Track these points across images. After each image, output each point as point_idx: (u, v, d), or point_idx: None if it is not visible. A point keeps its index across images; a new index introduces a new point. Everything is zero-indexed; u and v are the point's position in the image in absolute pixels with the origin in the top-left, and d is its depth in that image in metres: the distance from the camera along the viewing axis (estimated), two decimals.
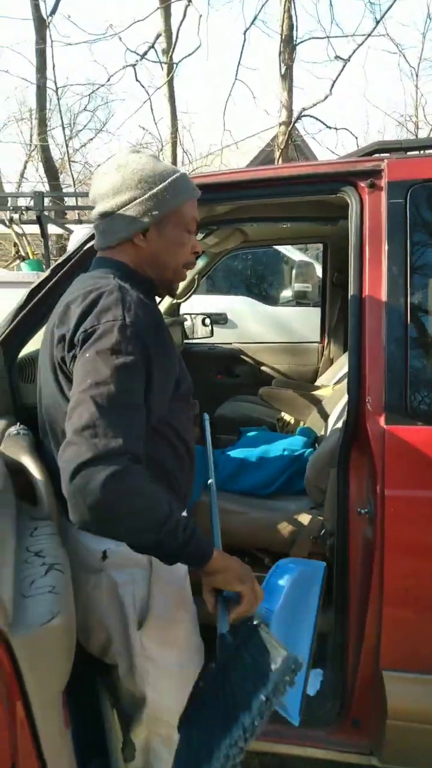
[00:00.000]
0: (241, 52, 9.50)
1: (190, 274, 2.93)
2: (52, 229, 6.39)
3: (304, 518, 1.57)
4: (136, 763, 1.11)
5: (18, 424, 1.24)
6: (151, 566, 1.05)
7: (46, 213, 5.68)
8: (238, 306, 4.60)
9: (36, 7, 8.45)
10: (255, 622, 0.91)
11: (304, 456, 1.74)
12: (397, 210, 1.27)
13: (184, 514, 1.14)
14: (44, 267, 5.70)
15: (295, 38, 8.41)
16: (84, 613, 1.06)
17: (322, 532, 1.52)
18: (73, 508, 0.80)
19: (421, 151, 1.46)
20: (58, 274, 1.42)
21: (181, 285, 2.98)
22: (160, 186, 1.05)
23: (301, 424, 2.24)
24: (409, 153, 1.41)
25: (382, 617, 1.25)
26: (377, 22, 6.72)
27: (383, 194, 1.29)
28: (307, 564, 1.41)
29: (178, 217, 1.07)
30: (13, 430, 1.18)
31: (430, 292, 1.27)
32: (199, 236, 2.20)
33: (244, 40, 8.57)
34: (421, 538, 1.22)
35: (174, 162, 7.96)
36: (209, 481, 1.36)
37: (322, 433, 2.00)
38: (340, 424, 1.45)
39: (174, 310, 3.07)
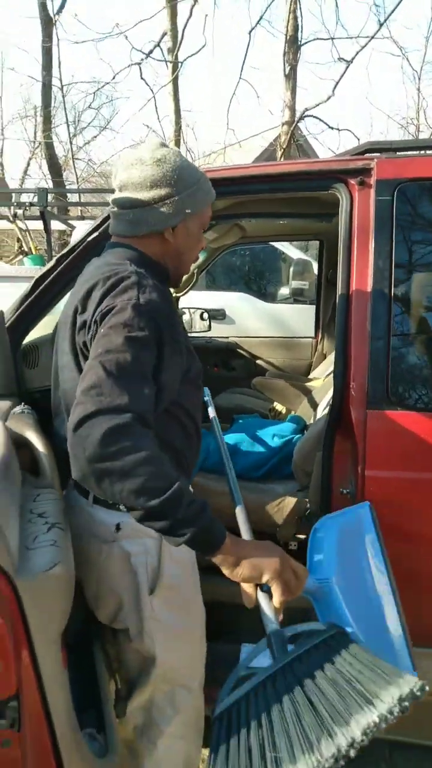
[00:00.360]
0: (246, 52, 9.55)
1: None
2: (55, 225, 6.46)
3: (291, 500, 1.64)
4: (137, 719, 1.16)
5: (22, 404, 1.31)
6: (161, 536, 0.94)
7: (49, 209, 5.76)
8: (236, 302, 4.68)
9: (43, 6, 8.51)
10: (331, 632, 0.81)
11: (292, 441, 1.81)
12: (384, 207, 1.34)
13: None
14: (46, 262, 5.77)
15: (299, 39, 8.48)
16: (97, 582, 1.12)
17: (307, 512, 1.59)
18: (73, 461, 0.81)
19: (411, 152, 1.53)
20: (62, 265, 1.49)
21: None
22: (194, 186, 1.12)
23: (292, 413, 2.31)
24: (398, 153, 1.48)
25: None
26: (381, 25, 6.80)
27: (372, 191, 1.36)
28: (347, 512, 1.19)
29: (202, 217, 1.16)
30: (18, 409, 1.25)
31: (413, 284, 1.34)
32: None
33: (249, 40, 8.66)
34: (397, 516, 1.29)
35: None
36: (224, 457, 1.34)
37: (311, 421, 2.07)
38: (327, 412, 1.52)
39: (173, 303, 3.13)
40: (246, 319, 4.54)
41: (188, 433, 1.16)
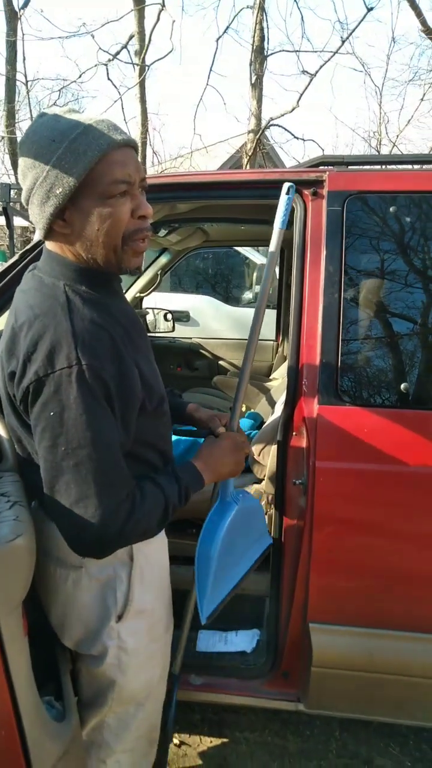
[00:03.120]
0: (213, 59, 9.74)
1: (152, 269, 3.06)
2: (18, 221, 6.39)
3: (246, 491, 1.71)
4: (88, 737, 1.13)
5: None
6: (131, 561, 1.06)
7: (11, 205, 5.69)
8: (200, 305, 4.76)
9: (8, 1, 8.39)
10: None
11: (250, 436, 1.89)
12: (335, 216, 1.44)
13: None
14: (8, 258, 5.71)
15: (266, 49, 8.67)
16: (63, 609, 1.05)
17: (262, 502, 1.67)
18: (90, 555, 0.93)
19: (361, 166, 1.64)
20: (26, 260, 1.53)
21: (143, 280, 3.10)
22: (58, 154, 0.87)
23: (252, 410, 2.40)
24: (350, 167, 1.58)
25: (310, 576, 1.41)
26: (342, 42, 7.03)
27: (324, 202, 1.46)
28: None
29: (92, 185, 0.88)
30: None
31: (361, 288, 1.44)
32: (162, 233, 2.33)
33: (216, 48, 8.75)
34: (344, 505, 1.38)
35: (143, 162, 8.08)
36: None
37: (270, 417, 2.16)
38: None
39: (136, 303, 3.19)
40: (210, 321, 4.62)
41: (156, 467, 1.07)
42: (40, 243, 1.52)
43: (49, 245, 0.98)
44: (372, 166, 1.59)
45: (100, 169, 0.88)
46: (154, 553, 1.12)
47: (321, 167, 1.54)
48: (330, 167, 1.53)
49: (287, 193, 1.27)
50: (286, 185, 1.28)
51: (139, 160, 0.97)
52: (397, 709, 1.48)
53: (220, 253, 5.06)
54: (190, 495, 1.05)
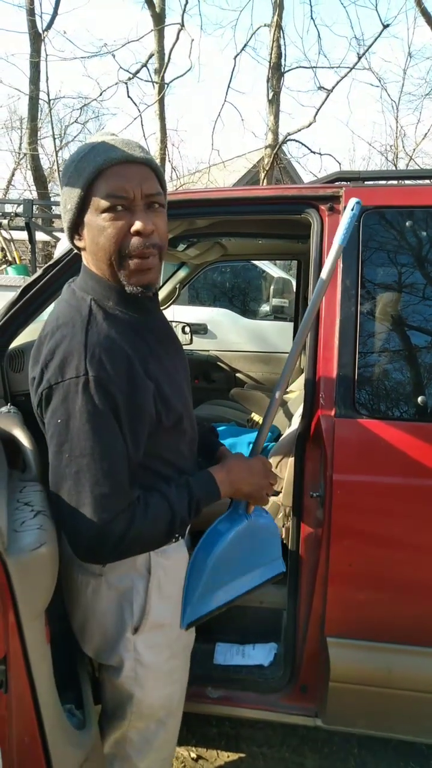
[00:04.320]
0: (231, 76, 9.89)
1: (171, 283, 3.10)
2: (39, 236, 6.54)
3: (265, 510, 1.72)
4: (110, 750, 1.13)
5: (9, 404, 1.38)
6: (149, 573, 1.06)
7: (34, 220, 5.84)
8: (218, 317, 4.79)
9: (32, 23, 8.66)
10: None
11: (267, 449, 1.90)
12: (352, 232, 1.45)
13: None
14: (30, 272, 5.85)
15: (283, 66, 8.79)
16: (83, 616, 1.07)
17: (279, 515, 1.67)
18: (89, 561, 0.96)
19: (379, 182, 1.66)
20: (49, 275, 1.57)
21: (162, 293, 3.15)
22: (69, 173, 0.94)
23: None
24: (366, 183, 1.60)
25: (327, 589, 1.40)
26: (359, 58, 7.11)
27: (341, 217, 1.47)
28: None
29: (92, 200, 0.92)
30: (4, 409, 1.32)
31: (377, 302, 1.46)
32: (181, 247, 2.37)
33: (234, 65, 8.88)
34: (362, 518, 1.38)
35: None
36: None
37: (287, 430, 2.16)
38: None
39: None
40: (227, 334, 4.65)
41: (168, 479, 1.06)
42: (62, 260, 1.56)
43: (83, 259, 1.03)
44: (388, 182, 1.60)
45: (98, 184, 0.92)
46: (173, 567, 1.11)
47: (337, 183, 1.57)
48: (346, 183, 1.55)
49: (352, 209, 1.21)
50: (351, 200, 1.21)
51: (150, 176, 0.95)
52: (417, 727, 1.46)
53: (237, 267, 5.09)
54: (202, 507, 1.04)
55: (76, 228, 0.97)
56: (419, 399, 1.40)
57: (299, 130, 8.05)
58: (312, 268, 1.49)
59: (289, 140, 8.71)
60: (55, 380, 0.89)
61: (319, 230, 1.50)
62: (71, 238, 1.00)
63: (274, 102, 8.86)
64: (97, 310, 0.95)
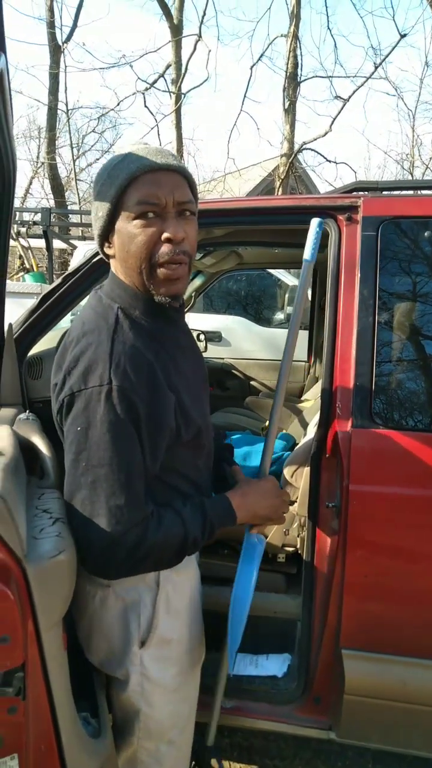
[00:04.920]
0: (248, 86, 9.99)
1: (187, 291, 3.12)
2: (56, 244, 6.63)
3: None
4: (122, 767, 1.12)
5: (27, 411, 1.39)
6: (158, 587, 1.04)
7: (51, 228, 5.92)
8: (232, 325, 4.80)
9: (52, 35, 8.83)
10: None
11: (282, 458, 1.89)
12: (369, 241, 1.45)
13: None
14: (47, 279, 5.93)
15: (299, 76, 8.83)
16: (89, 626, 1.06)
17: (294, 524, 1.66)
18: (96, 574, 0.95)
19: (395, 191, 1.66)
20: (68, 283, 1.59)
21: None
22: (101, 182, 0.95)
23: (284, 431, 2.40)
24: (384, 192, 1.61)
25: (343, 601, 1.39)
26: (376, 68, 7.13)
27: (358, 227, 1.48)
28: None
29: (124, 207, 0.92)
30: (23, 416, 1.33)
31: (395, 312, 1.45)
32: (197, 256, 2.38)
33: (251, 75, 8.95)
34: (378, 529, 1.37)
35: None
36: None
37: (302, 439, 2.16)
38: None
39: None
40: (242, 341, 4.66)
41: (186, 496, 1.05)
42: (80, 269, 1.58)
43: (111, 267, 1.03)
44: (406, 191, 1.60)
45: (130, 192, 0.91)
46: (183, 582, 1.09)
47: (355, 193, 1.57)
48: (364, 193, 1.56)
49: (316, 228, 1.28)
50: (314, 220, 1.28)
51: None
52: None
53: (252, 275, 5.11)
54: (216, 530, 1.02)
55: (106, 235, 0.98)
56: None
57: (315, 139, 8.08)
58: (329, 278, 1.49)
59: (304, 149, 8.75)
60: (77, 387, 0.88)
61: (336, 240, 1.50)
62: (101, 246, 1.01)
63: (290, 111, 8.90)
64: (124, 319, 0.95)
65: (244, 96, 9.74)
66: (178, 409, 0.97)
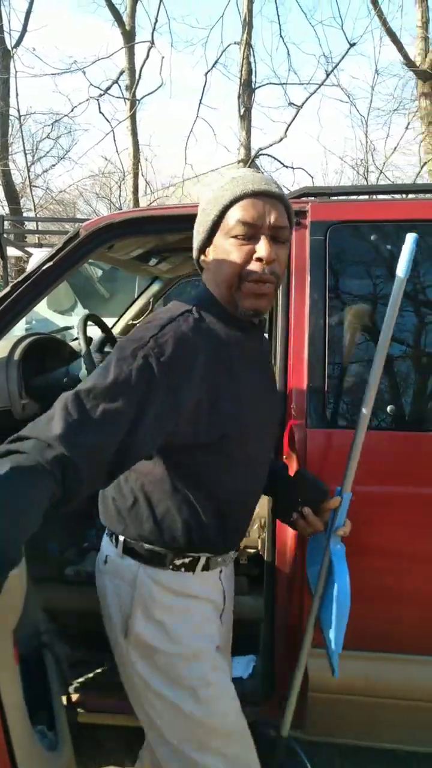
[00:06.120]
0: (203, 92, 10.06)
1: (144, 297, 3.11)
2: (11, 252, 6.48)
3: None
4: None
5: None
6: (134, 585, 1.05)
7: (5, 236, 5.79)
8: None
9: (1, 40, 8.68)
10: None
11: None
12: (318, 246, 1.48)
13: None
14: (2, 287, 5.79)
15: (253, 83, 8.96)
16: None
17: (255, 526, 1.68)
18: None
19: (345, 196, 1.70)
20: (17, 291, 1.56)
21: (136, 307, 3.15)
22: (206, 200, 1.04)
23: None
24: (332, 198, 1.64)
25: (304, 600, 1.41)
26: (327, 75, 7.32)
27: (307, 232, 1.51)
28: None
29: (224, 225, 1.00)
30: None
31: (345, 314, 1.49)
32: (152, 262, 2.38)
33: (206, 82, 9.00)
34: None
35: (135, 192, 8.25)
36: None
37: None
38: None
39: (129, 330, 3.23)
40: None
41: (197, 511, 1.02)
42: (30, 276, 1.55)
43: (203, 278, 1.09)
44: (355, 197, 1.64)
45: (231, 212, 0.99)
46: (174, 602, 1.07)
47: (304, 198, 1.60)
48: (312, 198, 1.59)
49: (413, 244, 1.14)
50: (410, 236, 1.13)
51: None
52: (397, 735, 1.47)
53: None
54: None
55: (203, 249, 1.06)
56: (389, 408, 1.43)
57: (271, 145, 8.20)
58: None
59: (261, 155, 8.87)
60: (120, 342, 0.93)
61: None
62: (197, 258, 1.09)
63: (246, 118, 9.02)
64: (191, 315, 0.99)
65: (200, 102, 9.81)
66: (206, 405, 0.95)
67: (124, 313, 3.18)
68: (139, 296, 3.16)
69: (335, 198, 1.64)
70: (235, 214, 0.98)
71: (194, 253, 1.09)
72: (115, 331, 3.14)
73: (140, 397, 0.86)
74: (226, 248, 0.99)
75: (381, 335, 1.18)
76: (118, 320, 3.19)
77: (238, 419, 1.01)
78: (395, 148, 10.43)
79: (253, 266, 0.98)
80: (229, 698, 1.12)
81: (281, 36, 11.66)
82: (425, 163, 8.34)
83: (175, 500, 1.03)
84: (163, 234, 1.85)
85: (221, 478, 1.04)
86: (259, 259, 0.97)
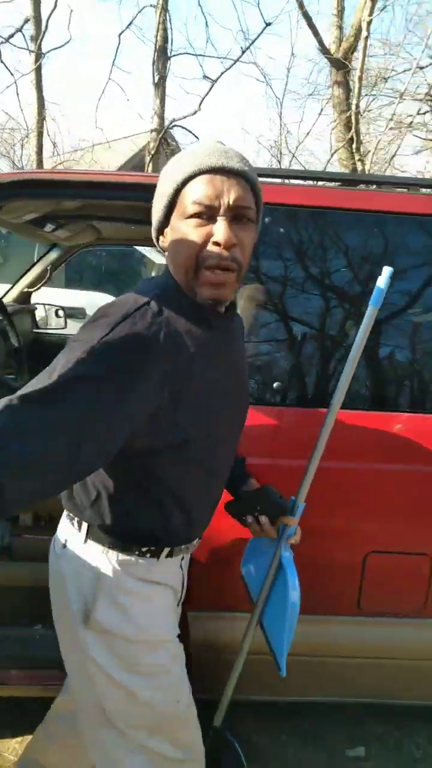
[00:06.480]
0: (116, 54, 9.61)
1: (41, 264, 2.98)
2: None
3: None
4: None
5: None
6: (98, 571, 1.02)
7: None
8: (96, 302, 4.70)
9: None
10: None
11: None
12: None
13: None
14: None
15: (169, 51, 8.70)
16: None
17: None
18: None
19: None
20: None
21: (32, 275, 3.02)
22: (162, 177, 0.95)
23: None
24: None
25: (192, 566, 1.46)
26: (243, 52, 7.27)
27: None
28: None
29: (179, 205, 0.92)
30: None
31: (242, 293, 1.52)
32: (49, 228, 2.28)
33: (119, 43, 8.61)
34: None
35: (39, 152, 7.78)
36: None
37: None
38: None
39: (25, 298, 3.09)
40: None
41: (163, 506, 1.00)
42: None
43: (166, 260, 1.00)
44: (265, 179, 1.67)
45: (186, 191, 0.90)
46: (143, 589, 1.05)
47: None
48: None
49: (387, 277, 1.11)
50: (386, 270, 1.10)
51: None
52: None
53: (116, 251, 5.02)
54: None
55: (161, 229, 0.98)
56: (275, 384, 1.50)
57: (184, 117, 8.05)
58: None
59: (175, 126, 8.69)
60: (72, 338, 0.85)
61: None
62: (156, 239, 1.01)
63: (160, 86, 8.76)
64: (151, 308, 0.89)
65: (113, 64, 9.35)
66: (166, 411, 0.88)
67: (18, 280, 3.03)
68: (36, 263, 3.02)
69: None
70: (189, 193, 0.89)
71: (153, 233, 1.01)
72: (7, 299, 2.99)
73: (85, 405, 0.78)
74: (182, 230, 0.90)
75: (346, 365, 1.17)
76: (12, 287, 3.03)
77: (202, 422, 0.95)
78: (308, 133, 10.67)
79: (211, 250, 0.89)
80: (184, 686, 1.13)
81: (199, 4, 11.35)
82: (335, 151, 8.62)
83: (139, 498, 0.99)
84: (58, 199, 1.77)
85: (185, 479, 0.99)
86: (217, 243, 0.88)
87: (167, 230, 0.96)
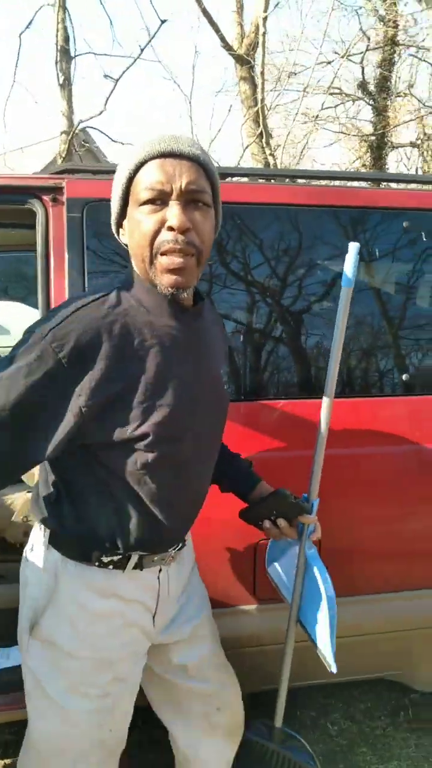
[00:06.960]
0: (18, 55, 9.28)
1: None
2: None
3: (22, 498, 1.69)
4: None
5: None
6: (56, 579, 0.99)
7: None
8: (11, 311, 4.55)
9: None
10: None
11: None
12: (75, 223, 1.48)
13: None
14: None
15: (73, 51, 8.50)
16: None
17: None
18: None
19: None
20: None
21: None
22: (117, 168, 0.95)
23: None
24: (98, 175, 1.64)
25: None
26: (142, 50, 7.19)
27: (64, 208, 1.49)
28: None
29: (132, 194, 0.91)
30: None
31: None
32: None
33: (20, 43, 8.33)
34: None
35: None
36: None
37: None
38: None
39: None
40: (22, 328, 4.43)
41: (122, 504, 0.96)
42: None
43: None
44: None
45: (138, 177, 0.90)
46: (98, 606, 1.00)
47: (65, 174, 1.57)
48: (71, 175, 1.57)
49: (356, 253, 1.07)
50: (352, 245, 1.06)
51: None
52: None
53: (21, 257, 4.86)
54: None
55: (120, 222, 0.97)
56: None
57: (91, 118, 7.89)
58: (39, 261, 1.48)
59: (86, 127, 8.50)
60: (24, 333, 0.88)
61: (43, 221, 1.49)
62: (117, 233, 0.99)
63: (66, 87, 8.57)
64: (109, 299, 0.91)
65: (16, 65, 9.04)
66: (121, 403, 0.88)
67: None
68: None
69: (101, 176, 1.64)
70: (141, 180, 0.89)
71: (113, 227, 0.99)
72: None
73: (31, 396, 0.83)
74: (136, 218, 0.90)
75: (331, 352, 1.14)
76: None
77: (163, 416, 0.91)
78: (219, 129, 10.75)
79: (165, 236, 0.88)
80: (122, 714, 1.07)
81: (101, 3, 11.15)
82: (247, 146, 8.72)
83: (98, 498, 0.95)
84: None
85: (146, 478, 0.94)
86: (171, 228, 0.87)
87: (125, 222, 0.96)
